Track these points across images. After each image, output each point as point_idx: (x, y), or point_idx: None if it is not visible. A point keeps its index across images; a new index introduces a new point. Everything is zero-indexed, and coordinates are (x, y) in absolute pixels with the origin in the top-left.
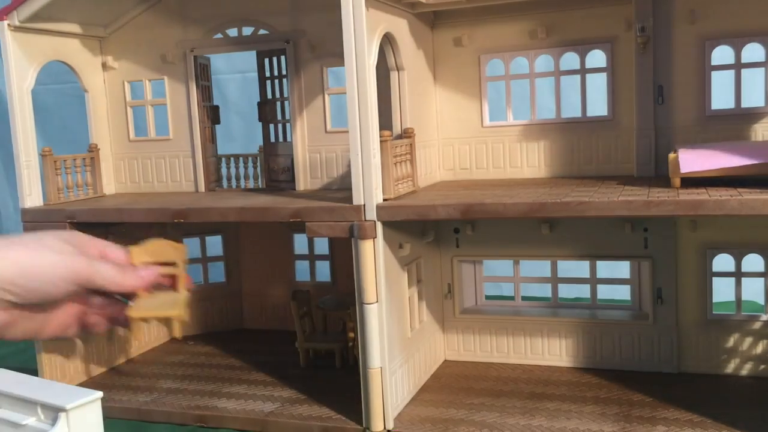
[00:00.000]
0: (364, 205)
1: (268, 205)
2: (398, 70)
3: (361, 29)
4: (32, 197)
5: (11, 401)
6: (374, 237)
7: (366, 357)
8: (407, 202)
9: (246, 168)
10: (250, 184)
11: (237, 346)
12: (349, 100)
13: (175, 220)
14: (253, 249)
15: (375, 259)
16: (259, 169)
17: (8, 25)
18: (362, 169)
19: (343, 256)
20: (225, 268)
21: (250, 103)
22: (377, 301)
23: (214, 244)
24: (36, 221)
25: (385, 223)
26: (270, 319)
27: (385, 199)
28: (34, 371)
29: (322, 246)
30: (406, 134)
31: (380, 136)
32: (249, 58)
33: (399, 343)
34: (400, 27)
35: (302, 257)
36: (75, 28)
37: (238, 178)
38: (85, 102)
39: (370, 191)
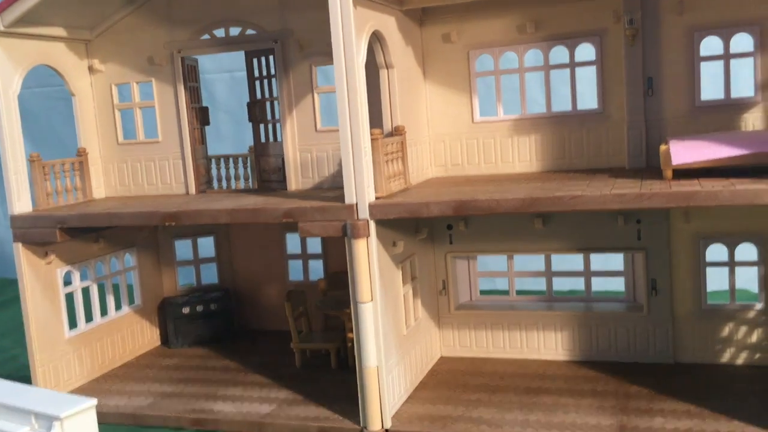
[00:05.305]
0: (357, 203)
1: (259, 206)
2: (387, 68)
3: (350, 27)
4: (21, 203)
5: (5, 411)
6: (367, 236)
7: (362, 356)
8: (400, 200)
9: (236, 169)
10: (241, 185)
11: (231, 347)
12: (338, 98)
13: (166, 223)
14: (245, 249)
15: (369, 258)
16: (249, 169)
17: None
18: (353, 167)
19: (336, 255)
20: (218, 269)
21: (239, 102)
22: (372, 300)
23: (206, 245)
24: (26, 227)
25: (378, 222)
26: (264, 320)
27: (377, 198)
28: (27, 378)
29: (314, 245)
30: (397, 132)
31: (371, 135)
32: (236, 57)
33: (395, 341)
34: (388, 24)
35: (295, 257)
36: (60, 31)
37: (228, 179)
38: (72, 105)
39: (362, 190)
